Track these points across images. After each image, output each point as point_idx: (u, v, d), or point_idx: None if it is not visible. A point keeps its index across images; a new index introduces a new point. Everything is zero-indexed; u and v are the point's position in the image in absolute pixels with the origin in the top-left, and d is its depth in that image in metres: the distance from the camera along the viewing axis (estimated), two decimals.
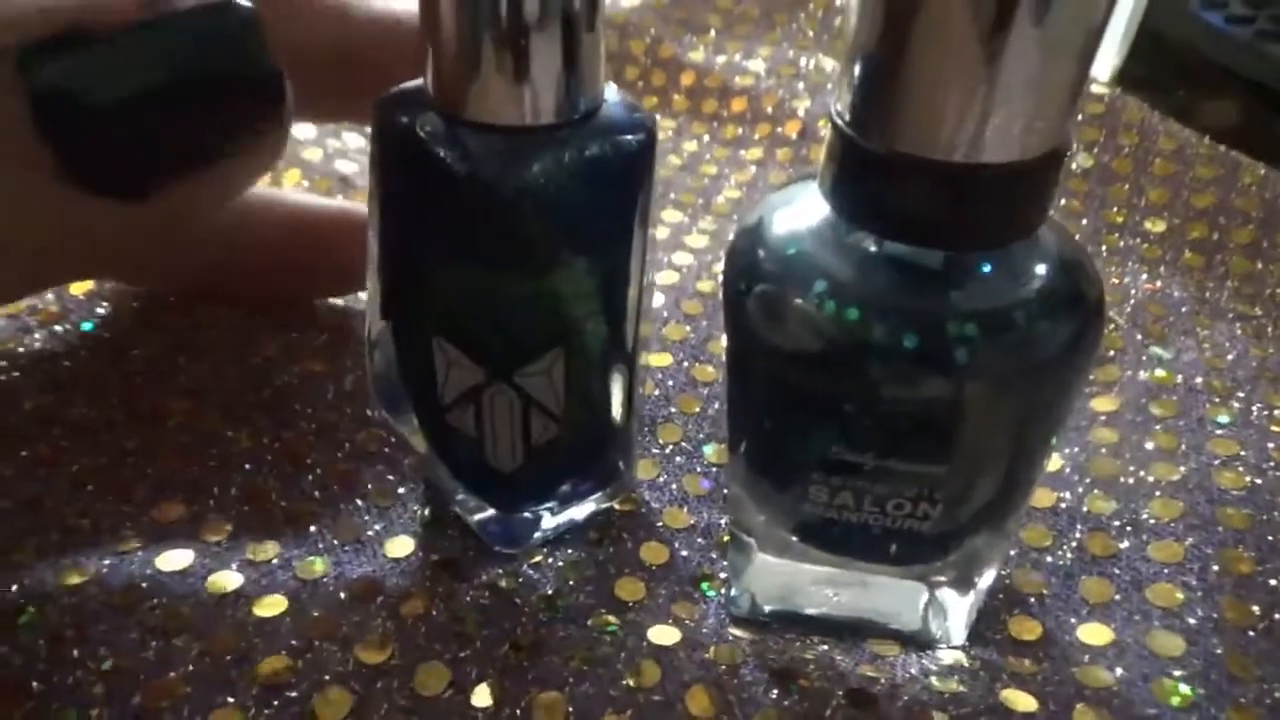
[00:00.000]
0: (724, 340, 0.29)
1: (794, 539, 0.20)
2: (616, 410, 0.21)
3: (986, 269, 0.16)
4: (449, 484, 0.22)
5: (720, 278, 0.32)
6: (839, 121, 0.16)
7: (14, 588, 0.19)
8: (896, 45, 0.14)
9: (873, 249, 0.17)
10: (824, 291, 0.16)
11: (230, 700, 0.18)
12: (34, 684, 0.18)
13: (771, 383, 0.18)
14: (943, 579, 0.20)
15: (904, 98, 0.14)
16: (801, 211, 0.17)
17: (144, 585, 0.20)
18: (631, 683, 0.19)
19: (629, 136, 0.18)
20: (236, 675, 0.18)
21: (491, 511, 0.22)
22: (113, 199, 0.13)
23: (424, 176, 0.17)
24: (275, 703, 0.18)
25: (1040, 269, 0.17)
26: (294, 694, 0.18)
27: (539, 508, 0.22)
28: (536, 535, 0.22)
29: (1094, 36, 0.14)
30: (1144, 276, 0.31)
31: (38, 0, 0.13)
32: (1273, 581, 0.21)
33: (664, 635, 0.20)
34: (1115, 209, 0.34)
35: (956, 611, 0.20)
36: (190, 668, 0.18)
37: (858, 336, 0.16)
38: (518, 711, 0.18)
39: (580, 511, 0.23)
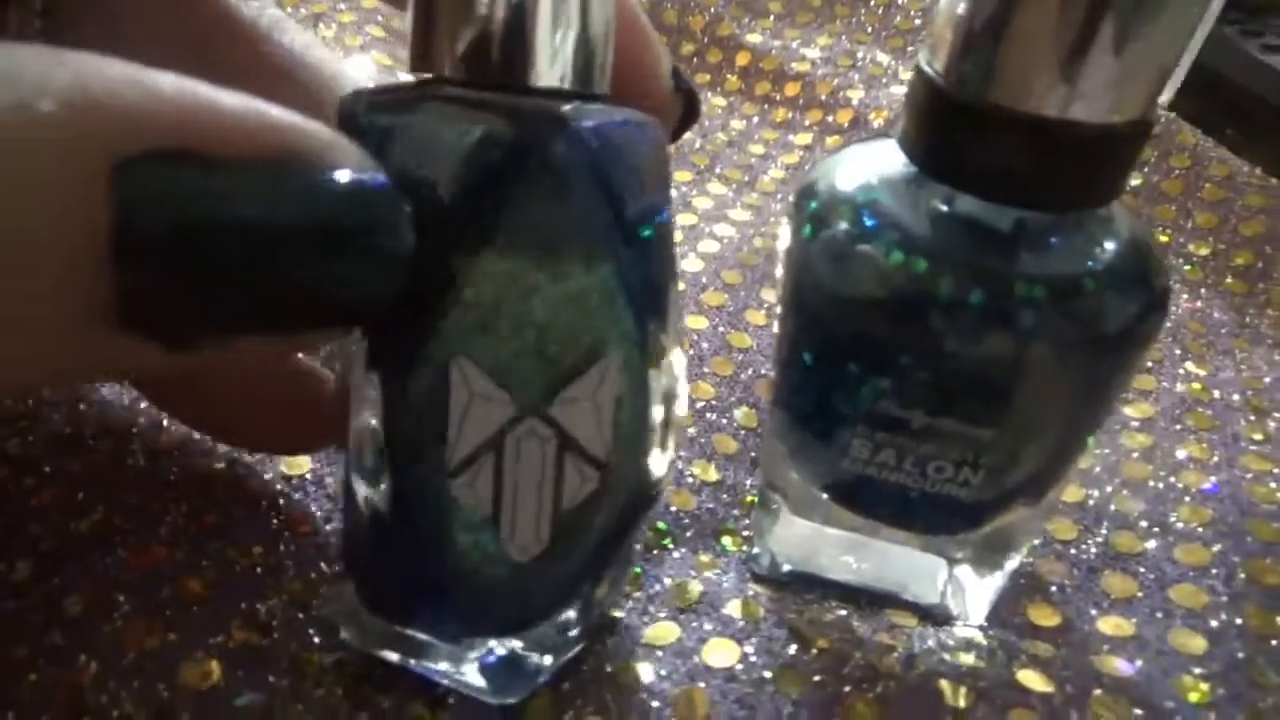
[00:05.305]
0: (762, 311, 0.29)
1: (824, 498, 0.20)
2: (661, 455, 0.17)
3: (1054, 239, 0.16)
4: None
5: (759, 248, 0.32)
6: (930, 73, 0.16)
7: None
8: None
9: (944, 208, 0.17)
10: (893, 241, 0.16)
11: None
12: None
13: (826, 331, 0.18)
14: (961, 556, 0.20)
15: (1006, 49, 0.14)
16: (875, 164, 0.17)
17: None
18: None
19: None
20: None
21: (490, 648, 0.17)
22: (160, 345, 0.11)
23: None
24: None
25: (1110, 245, 0.17)
26: None
27: (536, 631, 0.17)
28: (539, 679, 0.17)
29: (1202, 7, 0.14)
30: (1185, 296, 0.31)
31: (149, 102, 0.10)
32: None
33: (685, 586, 0.20)
34: (1161, 229, 0.34)
35: (977, 590, 0.20)
36: None
37: (924, 288, 0.16)
38: None
39: (568, 650, 0.18)
